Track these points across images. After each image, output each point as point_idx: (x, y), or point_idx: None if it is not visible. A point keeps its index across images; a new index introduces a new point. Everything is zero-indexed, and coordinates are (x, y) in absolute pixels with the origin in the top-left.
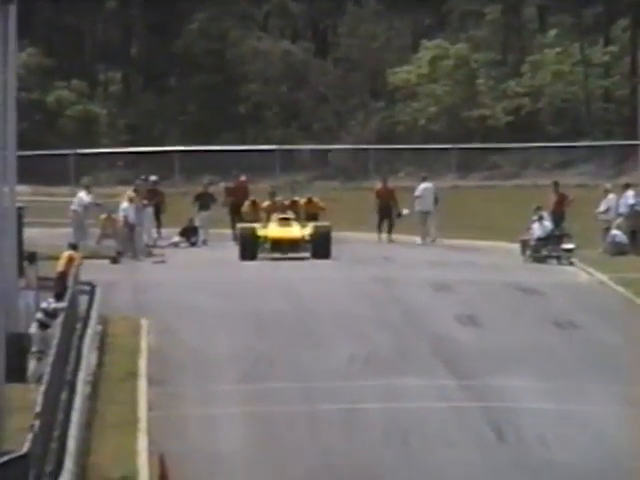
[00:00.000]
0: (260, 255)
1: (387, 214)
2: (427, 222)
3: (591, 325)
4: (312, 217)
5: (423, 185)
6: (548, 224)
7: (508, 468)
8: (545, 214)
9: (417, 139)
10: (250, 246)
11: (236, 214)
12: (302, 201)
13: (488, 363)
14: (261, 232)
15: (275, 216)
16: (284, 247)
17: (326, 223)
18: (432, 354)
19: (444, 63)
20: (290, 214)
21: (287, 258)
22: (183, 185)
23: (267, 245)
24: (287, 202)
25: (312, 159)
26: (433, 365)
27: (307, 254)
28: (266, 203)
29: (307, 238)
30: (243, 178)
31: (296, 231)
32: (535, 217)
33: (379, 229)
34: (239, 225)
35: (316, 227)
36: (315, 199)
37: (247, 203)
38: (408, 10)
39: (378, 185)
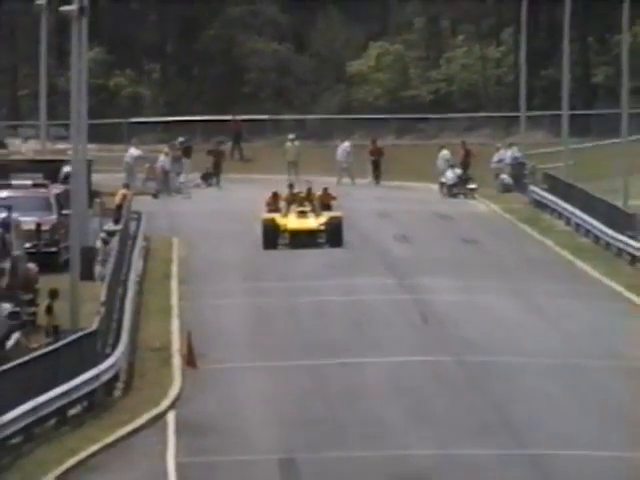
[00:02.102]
0: (281, 243)
1: (377, 166)
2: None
3: (488, 241)
4: (326, 207)
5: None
6: (458, 171)
7: (430, 341)
8: (456, 163)
9: (367, 112)
10: (272, 236)
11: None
12: (317, 193)
13: (417, 268)
14: (281, 222)
15: (294, 208)
16: (302, 237)
17: (338, 213)
18: (378, 262)
19: (386, 58)
20: (307, 205)
21: None
22: (203, 144)
23: (287, 235)
24: (304, 193)
25: (294, 125)
26: (378, 269)
27: (322, 240)
28: (285, 194)
29: (322, 228)
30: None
31: (312, 223)
32: (450, 173)
33: (374, 177)
34: (263, 216)
35: (330, 218)
36: (329, 191)
37: (269, 194)
38: (361, 20)
39: (370, 146)
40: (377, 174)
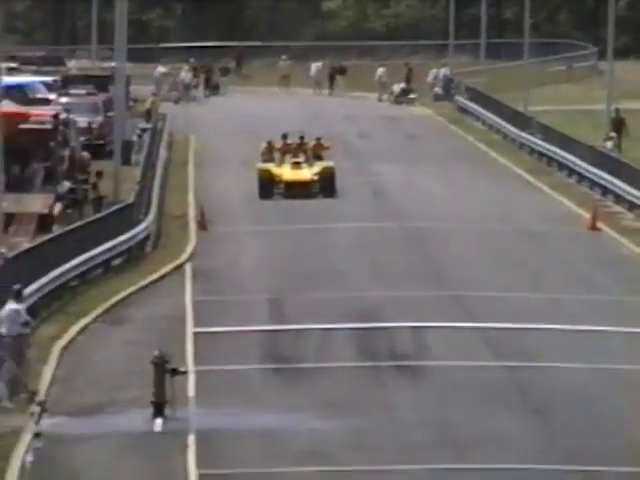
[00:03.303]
0: (276, 193)
1: (332, 81)
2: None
3: (424, 136)
4: (318, 157)
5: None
6: (403, 85)
7: (379, 212)
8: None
9: (336, 40)
10: (267, 186)
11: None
12: (311, 143)
13: (373, 156)
14: (276, 172)
15: (288, 158)
16: (297, 189)
17: (331, 164)
18: (344, 153)
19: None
20: (300, 156)
21: None
22: (214, 63)
23: (281, 186)
24: (296, 144)
25: (281, 50)
26: (345, 155)
27: (316, 190)
28: (279, 144)
29: (316, 179)
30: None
31: (307, 174)
32: (396, 87)
33: (329, 88)
34: (258, 165)
35: (323, 168)
36: (322, 140)
37: (263, 144)
38: None
39: (333, 64)
40: (332, 87)
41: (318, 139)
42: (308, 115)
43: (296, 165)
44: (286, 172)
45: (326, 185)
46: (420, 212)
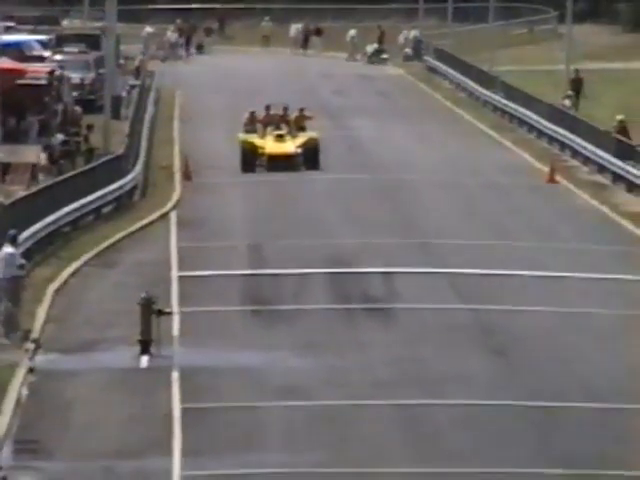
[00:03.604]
0: (258, 165)
1: (306, 40)
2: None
3: (396, 94)
4: (302, 128)
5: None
6: (375, 45)
7: (354, 164)
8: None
9: (313, 3)
10: (250, 159)
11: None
12: (294, 114)
13: (348, 112)
14: (259, 143)
15: (270, 130)
16: (280, 162)
17: (314, 135)
18: (320, 108)
19: None
20: (284, 128)
21: None
22: (200, 24)
23: (264, 159)
24: (279, 114)
25: (263, 12)
26: (322, 111)
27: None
28: (262, 115)
29: (299, 151)
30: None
31: (290, 147)
32: (369, 47)
33: (303, 48)
34: (240, 136)
35: (307, 140)
36: (305, 111)
37: (246, 115)
38: None
39: (308, 26)
40: (306, 47)
41: (301, 110)
42: (286, 73)
43: (279, 138)
44: (269, 145)
45: (310, 157)
46: (391, 164)
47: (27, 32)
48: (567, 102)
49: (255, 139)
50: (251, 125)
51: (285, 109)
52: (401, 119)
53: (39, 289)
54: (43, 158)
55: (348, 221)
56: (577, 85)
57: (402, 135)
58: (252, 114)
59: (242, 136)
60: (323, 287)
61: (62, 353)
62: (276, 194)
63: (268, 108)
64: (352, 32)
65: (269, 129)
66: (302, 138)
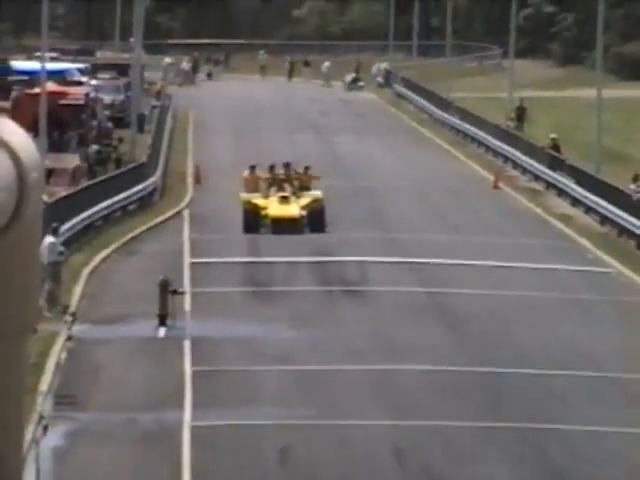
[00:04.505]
0: (262, 226)
1: (291, 73)
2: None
3: (370, 115)
4: (306, 187)
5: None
6: (353, 75)
7: (336, 172)
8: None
9: (303, 39)
10: (253, 221)
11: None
12: (299, 168)
13: (332, 129)
14: (262, 205)
15: (274, 191)
16: (284, 225)
17: (319, 195)
18: (309, 127)
19: (314, 9)
20: (287, 188)
21: None
22: (213, 55)
23: (268, 221)
24: (282, 176)
25: (261, 47)
26: (310, 129)
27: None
28: (266, 176)
29: (304, 214)
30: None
31: (294, 210)
32: (348, 76)
33: (289, 77)
34: (243, 196)
35: (311, 201)
36: (310, 170)
37: (246, 172)
38: None
39: (292, 60)
40: (290, 76)
41: (307, 168)
42: (280, 97)
43: (283, 200)
44: (273, 207)
45: (315, 221)
46: (366, 172)
47: (68, 61)
48: (510, 123)
49: (258, 200)
50: (253, 184)
51: (287, 166)
52: (374, 136)
53: (75, 271)
54: (76, 164)
55: (329, 219)
56: (521, 112)
57: (375, 148)
58: (252, 168)
59: (244, 196)
60: (308, 273)
61: (94, 324)
62: None
63: (272, 168)
64: (327, 63)
65: (272, 190)
66: (306, 199)
